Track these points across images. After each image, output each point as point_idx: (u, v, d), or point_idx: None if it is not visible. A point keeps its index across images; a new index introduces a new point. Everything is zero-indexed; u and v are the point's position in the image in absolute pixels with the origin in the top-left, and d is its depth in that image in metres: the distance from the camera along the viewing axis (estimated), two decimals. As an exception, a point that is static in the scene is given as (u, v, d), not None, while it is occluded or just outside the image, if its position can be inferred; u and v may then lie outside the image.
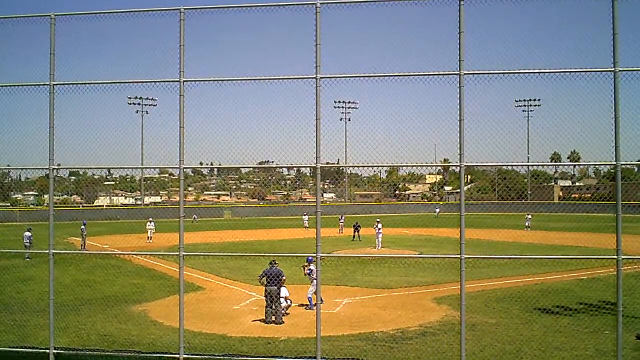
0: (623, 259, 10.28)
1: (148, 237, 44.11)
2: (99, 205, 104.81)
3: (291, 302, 18.08)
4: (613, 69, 10.18)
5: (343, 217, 55.23)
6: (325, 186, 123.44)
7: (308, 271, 18.36)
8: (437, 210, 79.51)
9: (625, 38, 10.36)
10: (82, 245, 38.68)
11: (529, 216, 55.87)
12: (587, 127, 10.95)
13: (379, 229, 38.96)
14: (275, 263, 17.72)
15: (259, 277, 17.55)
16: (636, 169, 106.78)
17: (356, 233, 44.99)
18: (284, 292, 17.63)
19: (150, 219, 46.10)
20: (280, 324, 16.82)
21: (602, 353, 13.20)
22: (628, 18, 10.70)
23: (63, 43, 11.66)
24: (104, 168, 12.82)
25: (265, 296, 17.21)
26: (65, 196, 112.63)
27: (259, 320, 17.25)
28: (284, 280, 17.40)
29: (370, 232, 42.64)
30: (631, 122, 10.54)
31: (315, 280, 16.40)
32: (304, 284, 19.22)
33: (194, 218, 72.88)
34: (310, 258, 18.10)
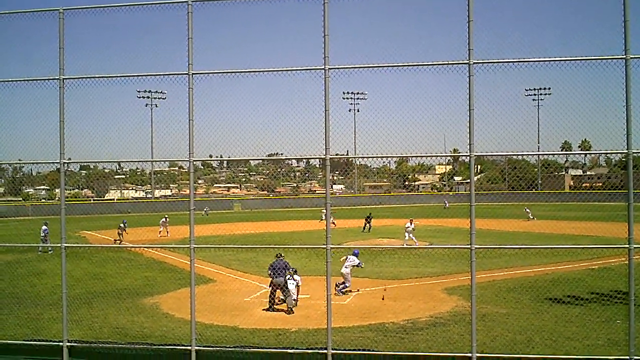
0: (635, 247, 10.22)
1: (166, 231, 43.57)
2: (110, 199, 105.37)
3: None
4: (624, 56, 10.08)
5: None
6: (335, 178, 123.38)
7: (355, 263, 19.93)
8: (446, 201, 79.20)
9: (637, 25, 10.25)
10: (119, 241, 38.15)
11: (528, 210, 55.33)
12: (598, 115, 10.87)
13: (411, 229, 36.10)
14: (281, 256, 18.11)
15: (268, 270, 17.96)
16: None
17: (367, 224, 44.57)
18: (295, 278, 18.31)
19: (166, 217, 45.35)
20: (290, 313, 17.02)
21: (614, 343, 13.15)
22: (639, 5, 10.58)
23: (72, 37, 11.71)
24: (114, 162, 12.86)
25: (271, 286, 17.67)
26: (77, 190, 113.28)
27: (268, 309, 17.54)
28: (291, 272, 17.82)
29: (380, 224, 42.74)
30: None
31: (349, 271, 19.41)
32: (314, 275, 19.29)
33: (206, 210, 73.02)
34: (356, 252, 20.43)
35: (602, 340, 13.52)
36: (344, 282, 19.96)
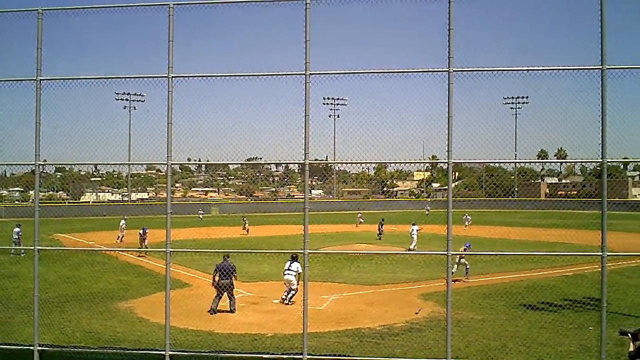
0: (608, 255, 10.39)
1: (119, 237, 41.21)
2: (85, 202, 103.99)
3: (296, 291, 18.64)
4: (601, 66, 10.27)
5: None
6: (314, 183, 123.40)
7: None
8: (428, 208, 79.16)
9: (614, 36, 10.45)
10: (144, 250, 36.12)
11: (469, 217, 56.17)
12: (574, 124, 11.04)
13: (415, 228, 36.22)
14: (228, 257, 18.36)
15: (214, 272, 18.09)
16: (622, 166, 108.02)
17: (381, 230, 43.12)
18: (295, 266, 18.60)
19: (125, 217, 43.67)
20: (233, 312, 17.57)
21: (586, 349, 13.33)
22: (617, 17, 10.79)
23: (52, 38, 11.57)
24: (90, 164, 12.73)
25: (216, 287, 17.77)
26: (51, 192, 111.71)
27: (211, 312, 17.59)
28: (236, 276, 18.13)
29: (363, 229, 42.61)
30: (617, 119, 10.64)
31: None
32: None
33: (201, 213, 73.43)
34: (468, 244, 23.56)
35: (574, 346, 13.70)
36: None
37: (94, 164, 13.01)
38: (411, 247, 34.61)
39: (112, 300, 19.67)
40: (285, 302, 18.84)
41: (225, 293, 17.79)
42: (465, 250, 22.86)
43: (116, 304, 19.07)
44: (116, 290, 21.47)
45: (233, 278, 17.90)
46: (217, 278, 17.78)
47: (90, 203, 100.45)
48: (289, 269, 18.67)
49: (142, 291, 21.28)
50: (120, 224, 42.22)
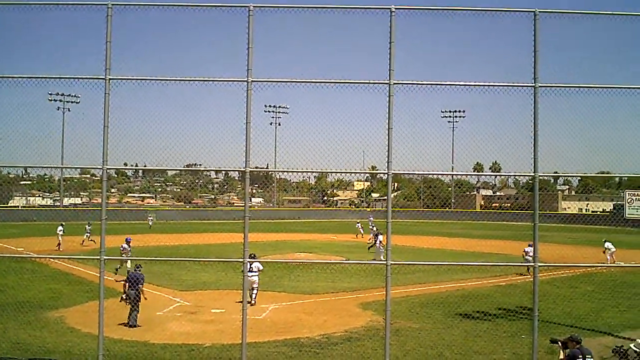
0: (539, 266, 10.76)
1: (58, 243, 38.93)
2: (14, 206, 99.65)
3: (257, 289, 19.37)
4: (533, 84, 10.66)
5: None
6: (254, 190, 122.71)
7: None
8: (371, 218, 79.06)
9: (546, 56, 10.87)
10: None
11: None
12: (507, 139, 11.42)
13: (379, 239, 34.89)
14: (139, 267, 17.64)
15: (125, 281, 17.33)
16: (552, 180, 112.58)
17: (376, 241, 38.45)
18: (255, 266, 19.12)
19: (63, 223, 41.17)
20: (132, 327, 16.38)
21: (519, 356, 13.73)
22: (549, 38, 11.23)
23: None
24: (20, 167, 12.26)
25: (126, 299, 16.93)
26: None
27: (123, 324, 16.67)
28: (142, 287, 17.01)
29: (299, 237, 42.58)
30: (549, 135, 11.07)
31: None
32: (230, 289, 19.05)
33: (150, 220, 68.39)
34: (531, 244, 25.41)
35: (507, 354, 14.08)
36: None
37: (24, 167, 12.48)
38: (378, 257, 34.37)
39: (42, 309, 18.86)
40: (251, 302, 18.95)
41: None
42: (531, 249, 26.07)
43: (46, 314, 18.29)
44: (46, 299, 20.61)
45: (140, 289, 16.82)
46: (126, 287, 16.99)
47: (20, 207, 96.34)
48: (250, 270, 18.35)
49: (74, 300, 20.51)
50: (57, 230, 40.16)
